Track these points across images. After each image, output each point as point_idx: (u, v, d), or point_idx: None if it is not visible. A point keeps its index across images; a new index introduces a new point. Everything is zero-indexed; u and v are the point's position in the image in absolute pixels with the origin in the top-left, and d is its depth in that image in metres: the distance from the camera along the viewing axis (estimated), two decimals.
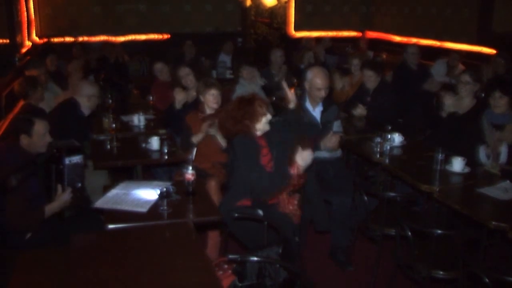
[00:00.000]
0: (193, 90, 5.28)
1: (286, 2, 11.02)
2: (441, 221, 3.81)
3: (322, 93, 4.37)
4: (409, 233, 3.25)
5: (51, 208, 3.35)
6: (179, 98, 5.24)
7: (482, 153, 4.14)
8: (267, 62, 7.38)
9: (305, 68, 5.89)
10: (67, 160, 3.36)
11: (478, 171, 3.89)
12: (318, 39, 9.90)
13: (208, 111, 4.54)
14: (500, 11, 7.97)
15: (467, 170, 3.78)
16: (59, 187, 3.37)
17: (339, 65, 8.19)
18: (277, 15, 11.20)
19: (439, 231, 3.18)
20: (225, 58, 8.75)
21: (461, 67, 7.47)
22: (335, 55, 9.36)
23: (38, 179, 3.44)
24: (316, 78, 4.35)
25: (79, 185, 3.51)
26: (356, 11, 11.46)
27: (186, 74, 5.57)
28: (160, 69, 6.34)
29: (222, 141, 4.38)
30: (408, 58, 6.87)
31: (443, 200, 3.47)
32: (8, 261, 2.99)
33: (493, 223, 3.02)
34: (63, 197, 3.37)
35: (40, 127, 3.55)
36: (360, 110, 5.30)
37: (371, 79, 5.44)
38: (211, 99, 4.50)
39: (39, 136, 3.55)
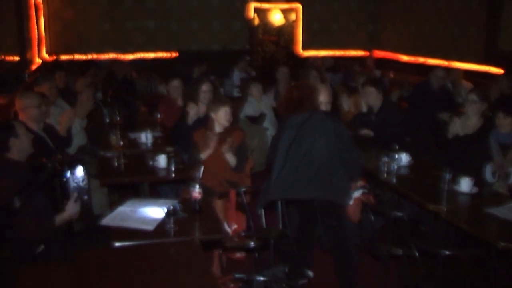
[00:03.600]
0: (204, 106, 5.27)
1: (293, 21, 11.11)
2: (448, 241, 3.79)
3: (323, 107, 4.38)
4: (416, 253, 3.23)
5: (61, 218, 3.34)
6: (193, 112, 5.25)
7: (488, 172, 4.12)
8: (273, 80, 7.39)
9: None
10: (68, 174, 3.45)
11: (486, 191, 3.86)
12: (322, 58, 9.96)
13: (218, 129, 4.53)
14: (507, 30, 7.98)
15: (475, 190, 3.73)
16: (72, 199, 3.39)
17: (346, 83, 8.19)
18: (284, 33, 11.30)
19: (447, 252, 3.15)
20: (238, 76, 8.71)
21: (465, 83, 7.45)
22: (338, 73, 9.38)
23: (42, 196, 3.42)
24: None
25: (86, 197, 3.54)
26: (363, 29, 11.53)
27: (209, 90, 5.48)
28: (177, 86, 6.25)
29: (232, 160, 4.39)
30: (433, 80, 6.79)
31: (451, 219, 3.44)
32: (14, 273, 2.98)
33: (502, 243, 2.99)
34: (72, 206, 3.37)
35: (18, 127, 3.60)
36: (366, 131, 5.25)
37: (372, 96, 5.38)
38: (223, 116, 4.48)
39: (23, 136, 3.58)
